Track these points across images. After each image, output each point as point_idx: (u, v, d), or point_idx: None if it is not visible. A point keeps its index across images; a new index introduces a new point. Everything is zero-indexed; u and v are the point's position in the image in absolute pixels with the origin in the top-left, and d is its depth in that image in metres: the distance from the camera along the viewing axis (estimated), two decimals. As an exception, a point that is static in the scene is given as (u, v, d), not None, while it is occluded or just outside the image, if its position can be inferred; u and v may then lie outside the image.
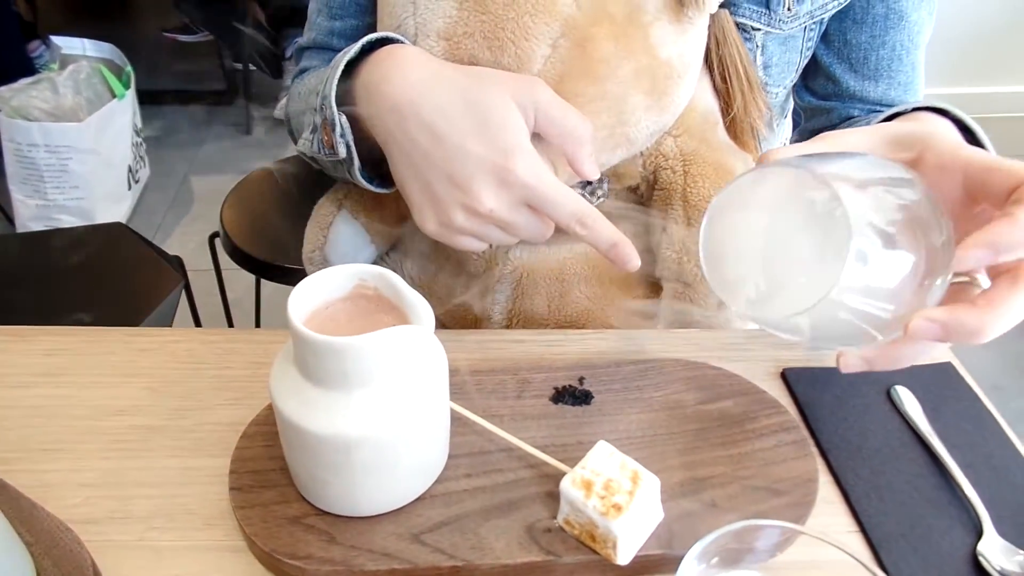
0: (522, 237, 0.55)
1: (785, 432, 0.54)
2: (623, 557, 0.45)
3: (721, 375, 0.59)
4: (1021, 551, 0.48)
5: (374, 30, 0.60)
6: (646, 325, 0.70)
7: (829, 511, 0.52)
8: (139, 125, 2.37)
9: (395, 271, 0.74)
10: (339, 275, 0.47)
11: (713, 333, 0.66)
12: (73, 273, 1.31)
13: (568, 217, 0.52)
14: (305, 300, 0.45)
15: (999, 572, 0.47)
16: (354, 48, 0.57)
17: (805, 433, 0.55)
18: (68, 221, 2.14)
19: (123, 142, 2.26)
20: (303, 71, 0.76)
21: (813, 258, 0.43)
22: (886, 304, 0.41)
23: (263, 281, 1.43)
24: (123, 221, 2.14)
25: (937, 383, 0.60)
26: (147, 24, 3.23)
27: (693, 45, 0.61)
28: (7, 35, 2.40)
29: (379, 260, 0.76)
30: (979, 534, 0.49)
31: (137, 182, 2.40)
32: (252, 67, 2.91)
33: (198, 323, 1.53)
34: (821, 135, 0.50)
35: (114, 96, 2.19)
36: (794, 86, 0.75)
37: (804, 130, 0.80)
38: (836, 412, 0.58)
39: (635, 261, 0.54)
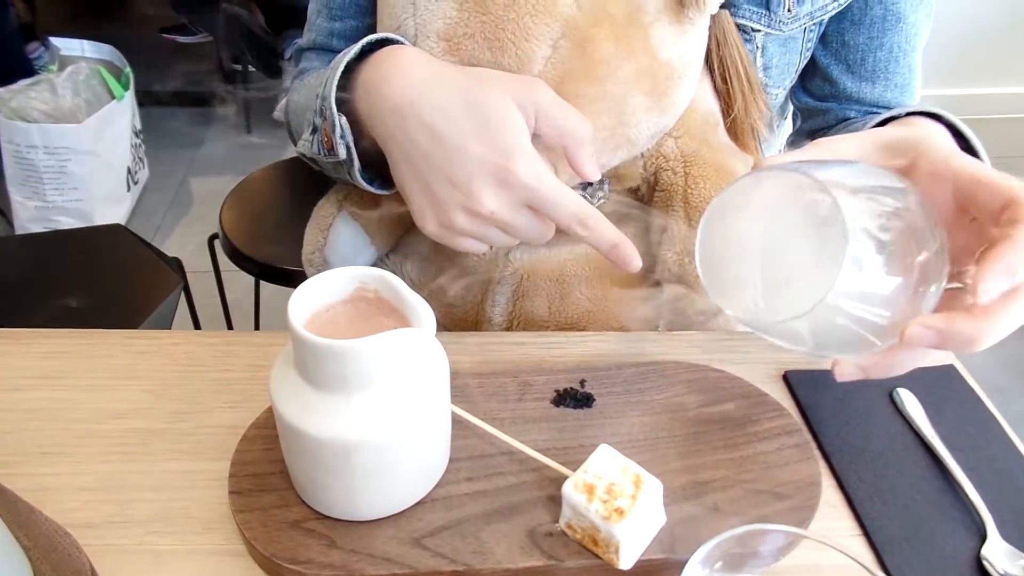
0: (523, 238, 0.55)
1: (787, 435, 0.54)
2: (625, 562, 0.45)
3: (723, 377, 0.59)
4: (1025, 555, 0.48)
5: (374, 31, 0.60)
6: (647, 327, 0.70)
7: (832, 514, 0.51)
8: (138, 126, 2.37)
9: (395, 273, 0.73)
10: (339, 278, 0.47)
11: (714, 335, 0.66)
12: (72, 275, 1.31)
13: (569, 218, 0.52)
14: (305, 303, 0.45)
15: (1003, 576, 0.47)
16: (354, 49, 0.57)
17: (808, 436, 0.55)
18: (67, 223, 2.13)
19: (122, 143, 2.26)
20: (302, 72, 0.76)
21: (810, 262, 0.43)
22: (882, 310, 0.41)
23: (262, 283, 1.43)
24: (122, 223, 2.14)
25: (940, 386, 0.60)
26: (146, 25, 3.23)
27: (694, 46, 0.61)
28: (6, 36, 2.40)
29: (379, 262, 0.75)
30: (983, 538, 0.49)
31: (136, 183, 2.40)
32: (251, 68, 2.91)
33: (197, 325, 1.53)
34: (815, 142, 0.50)
35: (113, 97, 2.19)
36: (791, 87, 0.75)
37: (801, 131, 0.80)
38: (838, 415, 0.58)
39: (636, 262, 0.54)
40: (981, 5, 2.88)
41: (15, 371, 0.59)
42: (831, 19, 0.68)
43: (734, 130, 0.68)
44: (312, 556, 0.45)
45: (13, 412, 0.56)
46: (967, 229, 0.45)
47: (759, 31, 0.66)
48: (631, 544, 0.45)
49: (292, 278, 1.29)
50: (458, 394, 0.51)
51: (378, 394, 0.43)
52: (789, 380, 0.61)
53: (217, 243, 1.40)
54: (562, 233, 0.55)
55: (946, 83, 2.98)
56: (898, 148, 0.47)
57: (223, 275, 1.55)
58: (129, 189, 2.34)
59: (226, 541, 0.48)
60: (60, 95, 2.06)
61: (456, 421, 0.51)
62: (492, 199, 0.52)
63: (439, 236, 0.56)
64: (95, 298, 1.27)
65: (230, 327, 1.68)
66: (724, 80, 0.65)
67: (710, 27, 0.63)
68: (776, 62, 0.69)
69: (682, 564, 0.39)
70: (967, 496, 0.51)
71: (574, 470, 0.47)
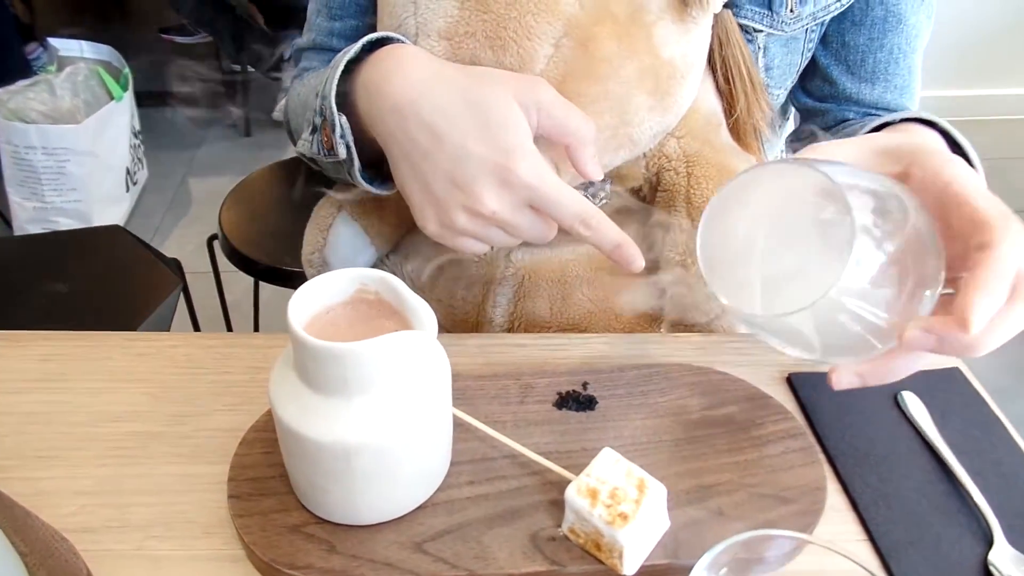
0: (524, 239, 0.54)
1: (792, 438, 0.53)
2: (629, 567, 0.44)
3: (726, 380, 0.58)
4: (1033, 560, 0.48)
5: (374, 30, 0.59)
6: (650, 329, 0.70)
7: (837, 519, 0.51)
8: (137, 127, 2.36)
9: (395, 273, 0.73)
10: (340, 279, 0.46)
11: (717, 337, 0.65)
12: (71, 276, 1.30)
13: (572, 218, 0.52)
14: (305, 305, 0.45)
15: (1010, 582, 0.47)
16: (354, 48, 0.56)
17: (812, 439, 0.54)
18: (66, 223, 2.13)
19: (121, 144, 2.26)
20: (302, 72, 0.75)
21: (814, 257, 0.43)
22: (882, 311, 0.41)
23: (262, 284, 1.42)
24: (121, 223, 2.13)
25: (945, 389, 0.60)
26: (145, 26, 3.23)
27: (696, 45, 0.61)
28: (4, 37, 2.39)
29: (379, 262, 0.75)
30: (989, 543, 0.49)
31: (135, 184, 2.39)
32: (250, 68, 2.90)
33: (196, 326, 1.52)
34: (810, 147, 0.49)
35: (112, 98, 2.18)
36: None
37: (800, 131, 0.80)
38: (843, 418, 0.57)
39: (639, 262, 0.54)
40: (981, 6, 2.88)
41: (12, 373, 0.59)
42: (832, 19, 0.68)
43: (736, 130, 0.68)
44: (312, 561, 0.45)
45: (10, 415, 0.56)
46: (956, 239, 0.45)
47: (761, 31, 0.66)
48: (635, 549, 0.44)
49: (292, 279, 1.29)
50: (459, 396, 0.51)
51: (379, 397, 0.43)
52: (793, 383, 0.60)
53: (216, 244, 1.40)
54: (564, 233, 0.54)
55: (947, 84, 2.98)
56: (893, 155, 0.47)
57: (222, 276, 1.54)
58: (128, 190, 2.34)
59: (225, 546, 0.48)
60: (59, 96, 2.06)
61: (457, 424, 0.51)
62: (494, 199, 0.51)
63: (440, 236, 0.55)
64: (94, 299, 1.27)
65: (229, 328, 1.67)
66: (726, 80, 0.65)
67: (712, 27, 0.62)
68: (778, 62, 0.69)
69: (686, 569, 0.39)
70: (973, 501, 0.51)
71: (577, 474, 0.47)
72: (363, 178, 0.60)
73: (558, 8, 0.55)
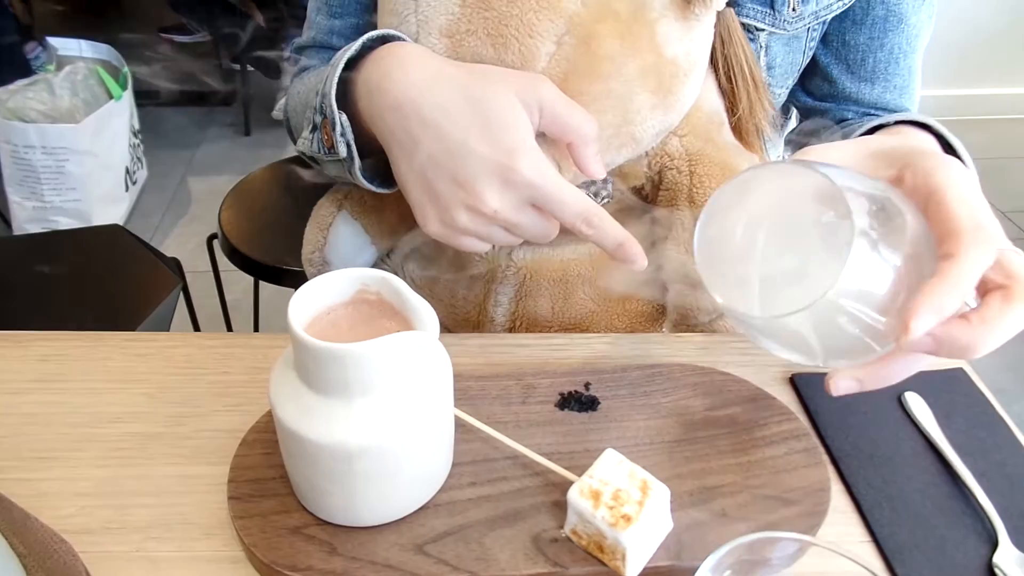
0: (527, 237, 0.54)
1: (796, 439, 0.53)
2: (632, 569, 0.44)
3: (729, 380, 0.58)
4: (1038, 562, 0.47)
5: (375, 28, 0.59)
6: (652, 328, 0.69)
7: (841, 520, 0.50)
8: (136, 126, 2.36)
9: (396, 273, 0.73)
10: (341, 279, 0.46)
11: (720, 337, 0.65)
12: (70, 275, 1.30)
13: (574, 217, 0.52)
14: (306, 305, 0.44)
15: (1016, 584, 0.46)
16: (355, 46, 0.56)
17: (816, 440, 0.54)
18: (65, 223, 2.13)
19: (120, 143, 2.25)
20: (302, 70, 0.75)
21: (813, 257, 0.43)
22: (880, 313, 0.41)
23: (262, 283, 1.42)
24: (120, 223, 2.14)
25: (949, 389, 0.59)
26: (144, 25, 3.22)
27: (699, 43, 0.60)
28: (3, 37, 2.39)
29: (380, 261, 0.75)
30: (994, 545, 0.48)
31: (134, 183, 2.39)
32: (250, 67, 2.90)
33: (196, 326, 1.52)
34: (804, 149, 0.49)
35: (111, 97, 2.18)
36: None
37: (801, 130, 0.80)
38: (846, 419, 0.57)
39: (642, 261, 0.53)
40: (981, 6, 2.88)
41: (11, 374, 0.59)
42: (833, 18, 0.68)
43: (739, 129, 0.67)
44: (313, 563, 0.44)
45: (9, 416, 0.55)
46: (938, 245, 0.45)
47: (763, 30, 0.65)
48: (638, 551, 0.44)
49: (292, 278, 1.29)
50: (461, 397, 0.51)
51: (380, 398, 0.42)
52: (796, 383, 0.60)
53: (216, 243, 1.40)
54: (565, 232, 0.54)
55: (947, 84, 2.98)
56: (887, 158, 0.47)
57: (222, 275, 1.54)
58: (127, 189, 2.34)
59: (225, 547, 0.47)
60: (58, 95, 2.06)
61: (459, 425, 0.50)
62: (496, 198, 0.51)
63: (441, 235, 0.55)
64: (93, 299, 1.27)
65: (229, 328, 1.67)
66: (729, 79, 0.65)
67: (715, 25, 0.62)
68: (780, 61, 0.69)
69: (689, 571, 0.38)
70: (978, 502, 0.51)
71: (579, 475, 0.46)
72: (363, 177, 0.60)
73: (560, 5, 0.55)
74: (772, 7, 0.64)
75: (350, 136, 0.57)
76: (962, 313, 0.41)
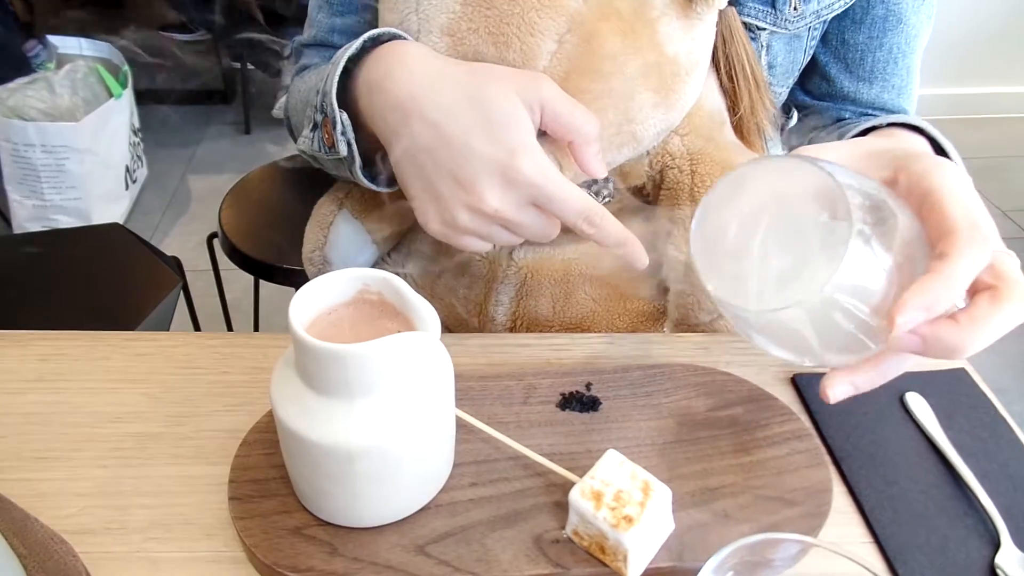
0: (528, 237, 0.54)
1: (797, 440, 0.53)
2: (634, 570, 0.44)
3: (731, 380, 0.58)
4: (1041, 563, 0.47)
5: (376, 26, 0.59)
6: (653, 328, 0.69)
7: (842, 521, 0.50)
8: (136, 125, 2.36)
9: (396, 272, 0.72)
10: (342, 280, 0.46)
11: (721, 337, 0.65)
12: (70, 274, 1.30)
13: (576, 216, 0.51)
14: (307, 305, 0.44)
15: (1018, 584, 0.46)
16: (356, 44, 0.56)
17: (818, 441, 0.54)
18: (65, 221, 2.13)
19: (120, 142, 2.25)
20: (303, 69, 0.75)
21: (811, 253, 0.43)
22: (873, 312, 0.41)
23: (262, 282, 1.42)
24: (120, 221, 2.13)
25: (951, 389, 0.59)
26: (144, 23, 3.22)
27: (701, 42, 0.60)
28: (3, 35, 2.38)
29: (380, 261, 0.74)
30: (996, 545, 0.48)
31: (134, 182, 2.39)
32: (250, 66, 2.90)
33: (196, 324, 1.52)
34: (798, 149, 0.49)
35: (111, 95, 2.18)
36: None
37: (801, 129, 0.80)
38: (848, 419, 0.57)
39: (643, 260, 0.53)
40: (982, 5, 2.87)
41: (11, 374, 0.58)
42: (832, 17, 0.68)
43: (740, 128, 0.67)
44: (314, 564, 0.44)
45: (8, 416, 0.55)
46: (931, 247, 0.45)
47: (764, 29, 0.65)
48: (639, 552, 0.44)
49: (292, 277, 1.28)
50: (462, 397, 0.50)
51: (382, 399, 0.42)
52: (798, 383, 0.60)
53: (216, 242, 1.40)
54: (566, 232, 0.54)
55: (947, 83, 2.98)
56: (882, 160, 0.46)
57: (222, 274, 1.54)
58: (127, 188, 2.33)
59: (226, 548, 0.47)
60: (58, 93, 2.05)
61: (460, 425, 0.50)
62: (497, 197, 0.51)
63: (442, 235, 0.55)
64: (93, 297, 1.26)
65: (229, 327, 1.67)
66: (730, 78, 0.65)
67: (716, 24, 0.62)
68: (781, 60, 0.69)
69: (691, 572, 0.38)
70: (980, 503, 0.51)
71: (581, 475, 0.46)
72: (364, 176, 0.59)
73: (562, 4, 0.55)
74: (773, 6, 0.64)
75: (351, 135, 0.57)
76: (950, 313, 0.41)
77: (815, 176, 0.41)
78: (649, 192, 0.67)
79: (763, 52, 0.67)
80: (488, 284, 0.70)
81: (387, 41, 0.56)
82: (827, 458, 0.53)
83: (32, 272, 1.30)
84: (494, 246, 0.60)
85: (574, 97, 0.54)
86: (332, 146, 0.57)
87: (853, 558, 0.39)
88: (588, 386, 0.57)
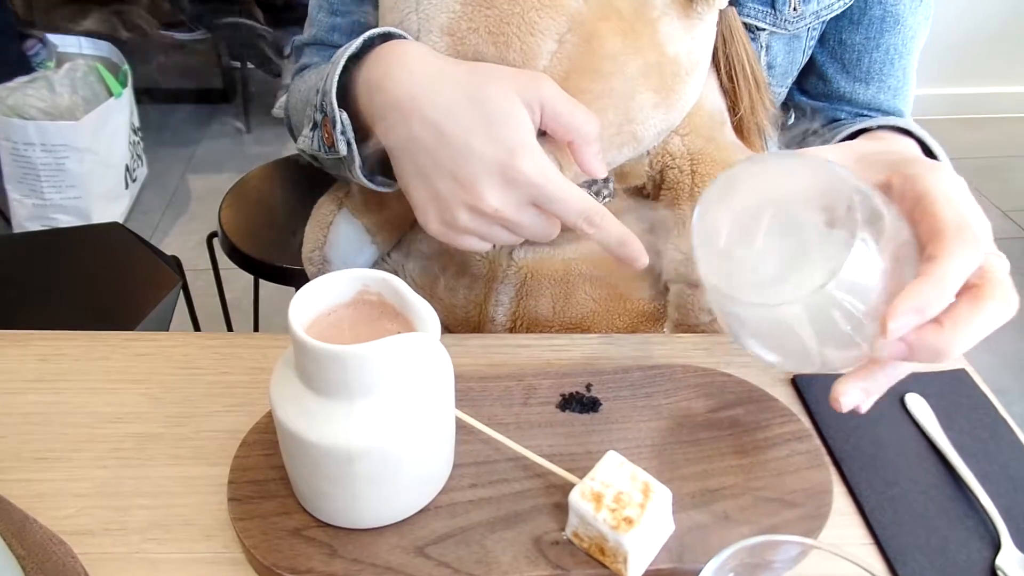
0: (528, 237, 0.54)
1: (798, 441, 0.53)
2: (634, 571, 0.44)
3: (731, 381, 0.58)
4: (1041, 564, 0.47)
5: (376, 26, 0.59)
6: (654, 329, 0.69)
7: (843, 522, 0.50)
8: (136, 124, 2.36)
9: (396, 272, 0.73)
10: (341, 280, 0.46)
11: (722, 337, 0.65)
12: (70, 274, 1.30)
13: (576, 216, 0.51)
14: (307, 306, 0.44)
15: (1019, 586, 0.46)
16: (356, 43, 0.56)
17: (818, 442, 0.54)
18: (65, 221, 2.12)
19: (120, 141, 2.25)
20: (303, 68, 0.75)
21: (811, 250, 0.43)
22: (867, 313, 0.41)
23: (262, 281, 1.42)
24: (120, 221, 2.13)
25: (951, 391, 0.59)
26: (144, 22, 3.21)
27: (702, 42, 0.60)
28: (3, 33, 2.38)
29: (380, 260, 0.74)
30: (997, 547, 0.48)
31: (134, 181, 2.39)
32: (250, 65, 2.90)
33: (196, 324, 1.52)
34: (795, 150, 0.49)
35: (111, 94, 2.17)
36: None
37: (791, 130, 0.80)
38: (848, 420, 0.56)
39: (644, 259, 0.53)
40: (980, 5, 2.87)
41: (10, 374, 0.58)
42: (830, 18, 0.68)
43: (740, 128, 0.67)
44: (313, 565, 0.44)
45: (8, 416, 0.55)
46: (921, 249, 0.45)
47: (764, 30, 0.65)
48: (639, 554, 0.44)
49: (292, 277, 1.28)
50: (461, 398, 0.50)
51: (381, 400, 0.42)
52: (798, 384, 0.60)
53: (216, 241, 1.39)
54: (566, 231, 0.54)
55: (946, 83, 2.97)
56: (876, 163, 0.46)
57: (222, 273, 1.54)
58: (127, 187, 2.33)
59: (225, 549, 0.47)
60: (58, 92, 2.05)
61: (460, 426, 0.50)
62: (497, 197, 0.51)
63: (442, 234, 0.55)
64: (93, 297, 1.26)
65: (229, 326, 1.67)
66: (730, 78, 0.65)
67: (717, 24, 0.62)
68: (780, 61, 0.69)
69: (691, 574, 0.38)
70: (980, 504, 0.50)
71: (581, 477, 0.46)
72: (364, 175, 0.59)
73: (562, 3, 0.55)
74: (773, 7, 0.64)
75: (350, 134, 0.56)
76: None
77: (816, 173, 0.41)
78: (649, 192, 0.67)
79: (762, 52, 0.67)
80: (488, 284, 0.70)
81: (387, 40, 0.56)
82: (827, 459, 0.53)
83: (32, 271, 1.29)
84: (494, 246, 0.60)
85: (574, 97, 0.54)
86: (332, 145, 0.57)
87: (853, 560, 0.39)
88: (588, 387, 0.57)
